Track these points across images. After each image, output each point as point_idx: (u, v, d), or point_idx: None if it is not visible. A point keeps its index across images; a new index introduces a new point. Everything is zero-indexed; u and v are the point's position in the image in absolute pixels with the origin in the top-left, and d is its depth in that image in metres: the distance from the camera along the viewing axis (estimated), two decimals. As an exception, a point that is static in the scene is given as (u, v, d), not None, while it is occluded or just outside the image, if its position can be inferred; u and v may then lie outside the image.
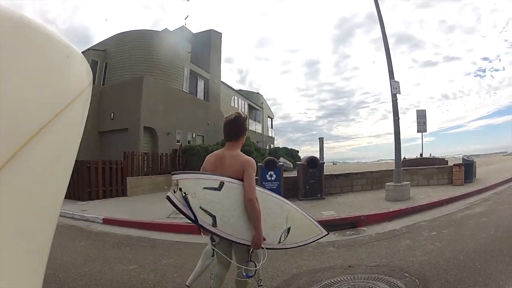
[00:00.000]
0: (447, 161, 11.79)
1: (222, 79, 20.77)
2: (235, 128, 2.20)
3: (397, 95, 7.57)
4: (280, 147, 28.96)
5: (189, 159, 12.56)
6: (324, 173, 8.66)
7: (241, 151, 2.24)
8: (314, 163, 8.26)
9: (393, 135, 7.62)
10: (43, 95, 0.65)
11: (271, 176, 7.61)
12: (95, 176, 8.96)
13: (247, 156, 2.16)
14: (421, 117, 12.72)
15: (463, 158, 10.07)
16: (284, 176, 8.09)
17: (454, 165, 9.50)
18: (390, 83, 7.56)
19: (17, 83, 0.58)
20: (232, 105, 22.98)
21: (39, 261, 0.73)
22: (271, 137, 34.17)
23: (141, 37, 15.12)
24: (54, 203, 0.79)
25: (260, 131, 29.29)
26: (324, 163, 8.93)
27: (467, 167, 9.44)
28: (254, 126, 27.44)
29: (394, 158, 7.78)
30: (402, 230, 4.95)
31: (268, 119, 34.03)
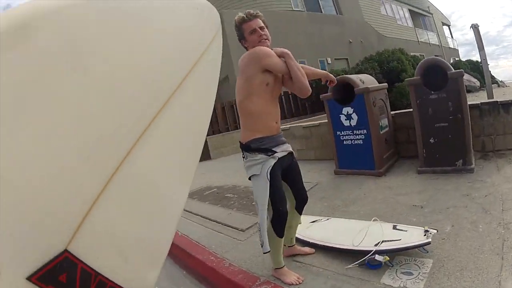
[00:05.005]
0: None
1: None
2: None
3: None
4: (463, 60, 20.23)
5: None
6: (481, 102, 3.28)
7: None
8: (439, 76, 3.06)
9: None
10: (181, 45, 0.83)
11: (348, 116, 3.60)
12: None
13: None
14: None
15: None
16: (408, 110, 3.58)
17: None
18: None
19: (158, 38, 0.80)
20: (384, 13, 17.39)
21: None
22: (454, 48, 24.60)
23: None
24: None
25: (436, 42, 21.51)
26: (462, 72, 3.03)
27: None
28: (425, 37, 20.43)
29: None
30: None
31: (444, 26, 24.42)
